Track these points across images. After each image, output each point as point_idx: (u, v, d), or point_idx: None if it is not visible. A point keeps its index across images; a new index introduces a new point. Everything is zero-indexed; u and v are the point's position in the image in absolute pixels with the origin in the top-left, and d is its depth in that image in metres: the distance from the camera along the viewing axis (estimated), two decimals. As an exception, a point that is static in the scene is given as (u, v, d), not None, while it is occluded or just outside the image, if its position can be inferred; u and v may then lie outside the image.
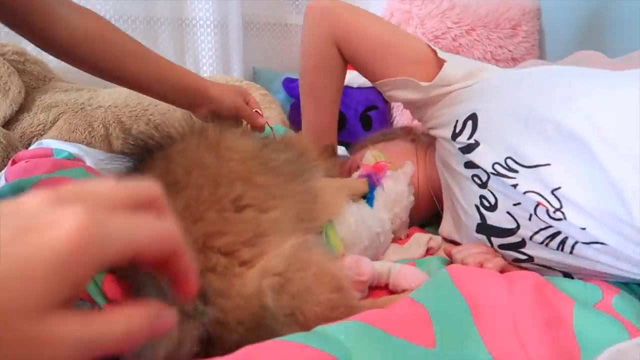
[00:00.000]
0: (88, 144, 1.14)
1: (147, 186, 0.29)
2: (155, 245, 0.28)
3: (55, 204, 0.25)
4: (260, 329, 0.49)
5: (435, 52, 0.88)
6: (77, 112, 1.18)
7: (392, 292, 0.70)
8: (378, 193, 0.83)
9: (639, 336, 0.51)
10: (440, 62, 0.86)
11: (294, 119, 1.49)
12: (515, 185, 0.67)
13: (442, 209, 0.93)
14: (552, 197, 0.63)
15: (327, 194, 0.71)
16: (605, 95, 0.64)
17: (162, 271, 0.29)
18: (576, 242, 0.64)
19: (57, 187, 0.26)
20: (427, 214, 0.97)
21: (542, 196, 0.64)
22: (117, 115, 1.21)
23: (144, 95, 1.25)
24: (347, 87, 1.54)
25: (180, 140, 0.60)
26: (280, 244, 0.54)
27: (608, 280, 0.65)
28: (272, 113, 1.40)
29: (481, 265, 0.69)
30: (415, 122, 1.44)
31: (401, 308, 0.55)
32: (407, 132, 1.07)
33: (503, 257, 0.74)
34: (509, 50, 1.63)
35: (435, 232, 0.92)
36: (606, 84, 0.67)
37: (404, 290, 0.67)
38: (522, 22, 1.66)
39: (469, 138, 0.75)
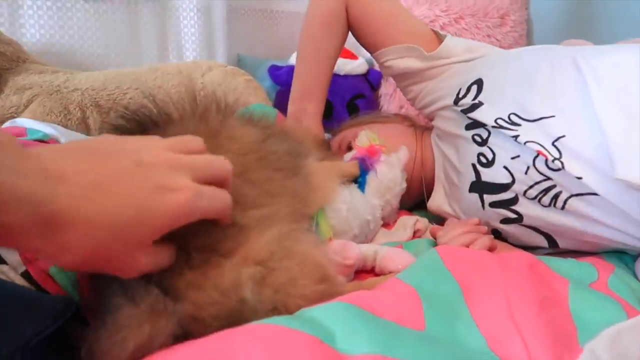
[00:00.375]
0: (63, 128, 1.09)
1: (225, 166, 0.44)
2: (218, 214, 0.43)
3: (174, 170, 0.38)
4: (238, 324, 0.45)
5: (436, 32, 0.93)
6: (52, 94, 1.13)
7: (378, 276, 0.67)
8: (371, 178, 0.80)
9: (637, 316, 0.49)
10: (441, 40, 0.90)
11: (280, 106, 1.45)
12: (516, 137, 0.69)
13: (428, 196, 0.91)
14: (552, 147, 0.65)
15: (319, 179, 0.68)
16: (606, 54, 0.68)
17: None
18: (569, 197, 0.65)
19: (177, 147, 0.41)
20: (416, 198, 0.95)
21: (542, 146, 0.66)
22: (95, 98, 1.16)
23: (124, 78, 1.23)
24: (335, 75, 1.50)
25: (179, 121, 0.56)
26: (264, 234, 0.50)
27: (599, 250, 0.64)
28: (257, 99, 1.36)
29: (467, 247, 0.69)
30: (404, 111, 1.42)
31: (389, 289, 0.52)
32: (404, 119, 1.06)
33: (491, 219, 0.75)
34: (497, 40, 1.62)
35: (423, 215, 0.90)
36: (603, 50, 0.72)
37: (390, 273, 0.65)
38: (510, 11, 1.65)
39: (474, 99, 0.77)
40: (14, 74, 1.15)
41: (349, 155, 0.86)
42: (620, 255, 0.66)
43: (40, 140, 0.87)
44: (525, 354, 0.44)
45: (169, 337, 0.41)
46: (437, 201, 0.89)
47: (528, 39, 1.74)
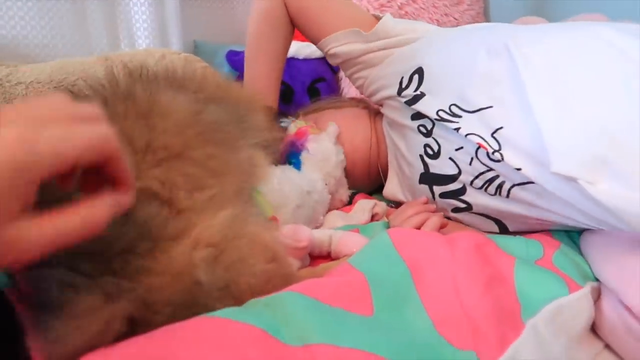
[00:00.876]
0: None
1: (85, 105, 0.34)
2: (91, 151, 0.32)
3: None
4: (192, 309, 0.45)
5: (376, 16, 0.93)
6: (-6, 89, 1.07)
7: (333, 260, 0.67)
8: (304, 156, 0.82)
9: (578, 291, 0.50)
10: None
11: (239, 93, 1.42)
12: (457, 129, 0.69)
13: (385, 178, 0.91)
14: (492, 139, 0.65)
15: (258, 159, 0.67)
16: (538, 40, 0.68)
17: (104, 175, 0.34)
18: (512, 186, 0.66)
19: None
20: (374, 183, 0.95)
21: (483, 138, 0.66)
22: (40, 91, 1.11)
23: (72, 69, 1.17)
24: (294, 59, 1.49)
25: (104, 106, 0.53)
26: (214, 216, 0.49)
27: (547, 228, 0.65)
28: (214, 87, 1.33)
29: (421, 224, 0.70)
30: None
31: (337, 276, 0.52)
32: (358, 101, 1.06)
33: (442, 209, 0.77)
34: (455, 19, 1.63)
35: (381, 199, 0.90)
36: (538, 33, 0.72)
37: (345, 257, 0.65)
38: (467, -11, 1.65)
39: (415, 90, 0.77)
40: (-48, 68, 1.09)
41: None
42: (568, 231, 0.67)
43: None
44: (470, 335, 0.45)
45: (124, 323, 0.40)
46: (392, 189, 0.90)
47: (485, 17, 1.75)
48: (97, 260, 0.42)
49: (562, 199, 0.59)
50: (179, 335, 0.42)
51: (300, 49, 1.49)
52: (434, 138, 0.75)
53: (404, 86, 0.80)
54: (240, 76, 1.54)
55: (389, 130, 0.90)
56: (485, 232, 0.72)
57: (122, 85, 0.57)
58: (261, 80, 0.95)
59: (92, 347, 0.38)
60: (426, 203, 0.78)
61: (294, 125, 0.89)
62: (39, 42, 1.32)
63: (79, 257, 0.41)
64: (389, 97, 0.84)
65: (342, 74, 1.60)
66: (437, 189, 0.76)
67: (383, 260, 0.54)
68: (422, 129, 0.77)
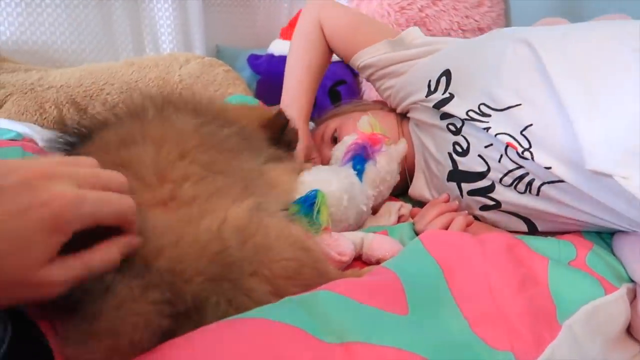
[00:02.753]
0: (40, 127, 1.07)
1: (117, 176, 0.41)
2: (118, 217, 0.39)
3: (48, 180, 0.35)
4: (224, 283, 0.44)
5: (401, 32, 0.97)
6: (26, 93, 1.10)
7: (365, 263, 0.68)
8: (369, 168, 0.79)
9: (614, 292, 0.50)
10: None
11: (260, 96, 1.44)
12: (487, 129, 0.69)
13: (411, 180, 0.92)
14: (522, 137, 0.66)
15: (274, 173, 0.67)
16: (564, 36, 0.69)
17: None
18: (542, 184, 0.65)
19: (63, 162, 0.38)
20: (400, 184, 0.96)
21: (512, 137, 0.66)
22: (71, 95, 1.14)
23: (100, 74, 1.20)
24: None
25: (114, 124, 0.57)
26: (233, 204, 0.50)
27: (578, 229, 0.65)
28: (237, 90, 1.35)
29: (449, 225, 0.70)
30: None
31: (372, 277, 0.53)
32: (382, 104, 1.07)
33: (469, 207, 0.77)
34: (476, 20, 1.61)
35: (406, 200, 0.90)
36: (566, 29, 0.73)
37: (378, 260, 0.65)
38: (487, -9, 1.64)
39: (444, 93, 0.78)
40: (-15, 73, 1.12)
41: (348, 141, 0.83)
42: (599, 232, 0.67)
43: (13, 140, 0.85)
44: (506, 336, 0.45)
45: (163, 313, 0.40)
46: (418, 188, 0.90)
47: (506, 19, 1.73)
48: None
49: (594, 199, 0.58)
50: (218, 337, 0.42)
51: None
52: (463, 136, 0.75)
53: (432, 89, 0.81)
54: (261, 79, 1.56)
55: (416, 130, 0.90)
56: (513, 232, 0.72)
57: (135, 105, 0.61)
58: (294, 88, 1.01)
59: (130, 348, 0.38)
60: (447, 200, 0.78)
61: (367, 122, 0.84)
62: (68, 47, 1.35)
63: None
64: (418, 102, 0.85)
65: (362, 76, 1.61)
66: (466, 187, 0.76)
67: (415, 261, 0.54)
68: (451, 127, 0.78)
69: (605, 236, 0.66)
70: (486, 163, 0.72)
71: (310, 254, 0.51)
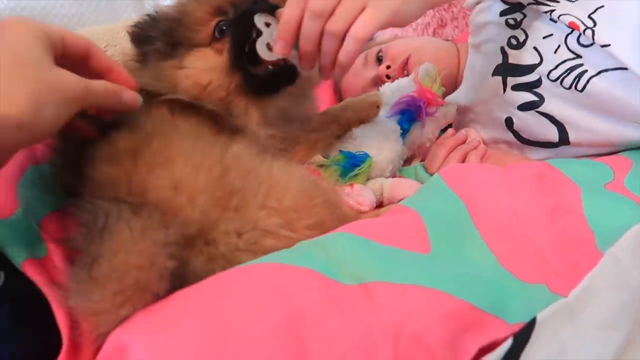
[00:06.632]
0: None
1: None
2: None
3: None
4: (229, 200, 0.44)
5: None
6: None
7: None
8: (415, 130, 0.74)
9: (657, 215, 0.46)
10: None
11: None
12: (551, 12, 0.67)
13: None
14: (588, 19, 0.63)
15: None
16: None
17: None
18: (593, 76, 0.63)
19: None
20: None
21: (577, 17, 0.64)
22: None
23: (101, 36, 1.16)
24: None
25: None
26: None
27: (612, 150, 0.63)
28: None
29: (463, 160, 0.67)
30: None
31: (390, 216, 0.50)
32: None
33: (507, 106, 0.73)
34: None
35: None
36: None
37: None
38: None
39: None
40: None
41: (396, 91, 0.76)
42: (638, 150, 0.62)
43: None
44: (538, 268, 0.42)
45: (169, 255, 0.39)
46: (454, 95, 0.85)
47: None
48: None
49: None
50: (231, 283, 0.40)
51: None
52: (522, 29, 0.72)
53: None
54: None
55: (472, 41, 0.84)
56: (543, 142, 0.70)
57: None
58: None
59: (139, 293, 0.36)
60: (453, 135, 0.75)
61: (427, 73, 0.76)
62: (67, 11, 1.32)
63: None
64: None
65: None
66: (511, 81, 0.73)
67: (436, 198, 0.51)
68: (510, 21, 0.74)
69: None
70: (540, 55, 0.69)
71: (319, 186, 0.49)
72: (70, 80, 0.38)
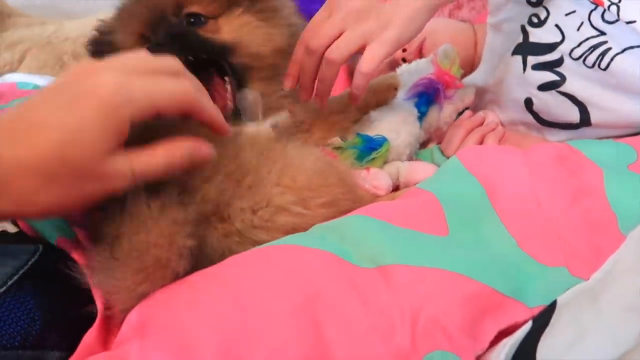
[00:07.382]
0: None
1: (168, 59, 0.39)
2: (174, 101, 0.37)
3: (95, 74, 0.34)
4: (244, 179, 0.45)
5: None
6: (44, 46, 1.09)
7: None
8: (432, 113, 0.72)
9: (683, 197, 0.44)
10: None
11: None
12: None
13: None
14: None
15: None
16: None
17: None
18: (617, 54, 0.61)
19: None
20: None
21: None
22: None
23: (114, 22, 1.17)
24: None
25: None
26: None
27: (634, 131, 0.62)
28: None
29: (481, 143, 0.66)
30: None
31: (406, 198, 0.49)
32: None
33: (528, 87, 0.71)
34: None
35: None
36: None
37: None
38: None
39: None
40: (1, 30, 1.11)
41: (414, 73, 0.75)
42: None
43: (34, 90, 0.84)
44: (559, 251, 0.41)
45: (189, 234, 0.39)
46: (472, 76, 0.83)
47: None
48: None
49: None
50: (249, 264, 0.41)
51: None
52: (543, 6, 0.70)
53: None
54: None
55: (490, 23, 0.83)
56: (563, 124, 0.68)
57: None
58: None
59: (159, 270, 0.37)
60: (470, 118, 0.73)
61: (445, 55, 0.75)
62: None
63: None
64: None
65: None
66: (532, 60, 0.71)
67: (453, 180, 0.50)
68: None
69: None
70: (562, 33, 0.68)
71: (334, 166, 0.49)
72: (123, 172, 0.35)
